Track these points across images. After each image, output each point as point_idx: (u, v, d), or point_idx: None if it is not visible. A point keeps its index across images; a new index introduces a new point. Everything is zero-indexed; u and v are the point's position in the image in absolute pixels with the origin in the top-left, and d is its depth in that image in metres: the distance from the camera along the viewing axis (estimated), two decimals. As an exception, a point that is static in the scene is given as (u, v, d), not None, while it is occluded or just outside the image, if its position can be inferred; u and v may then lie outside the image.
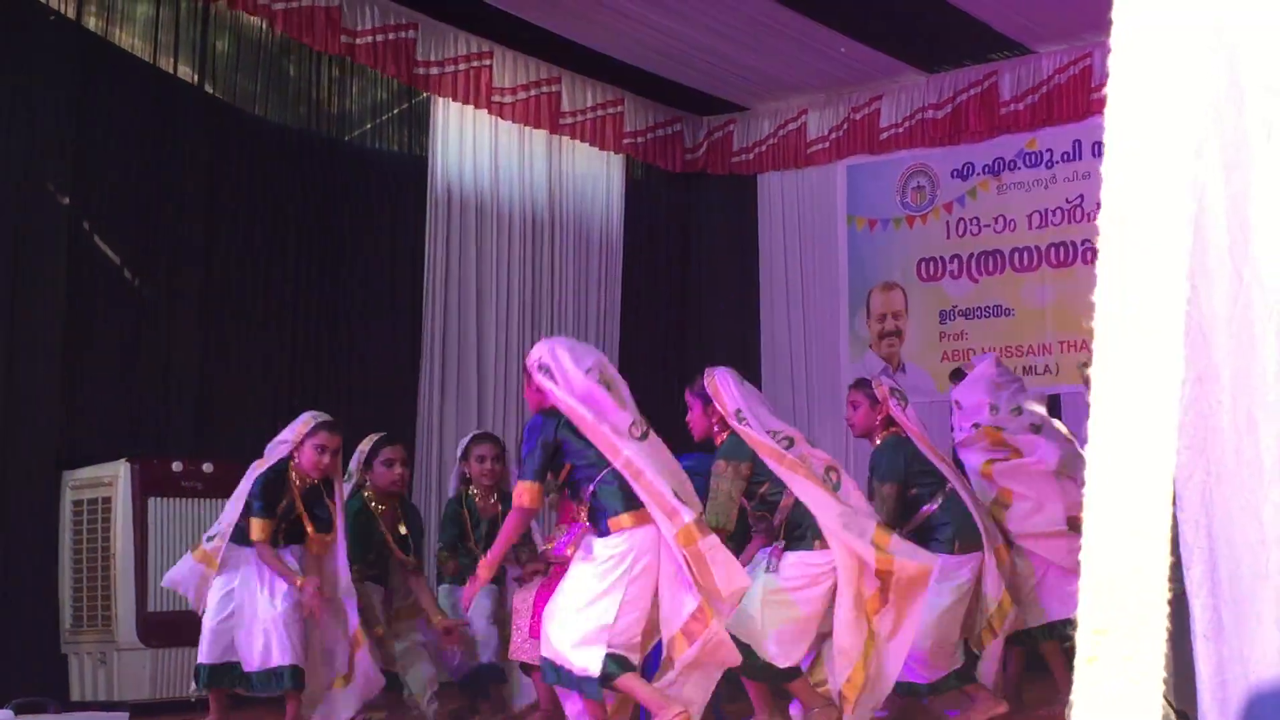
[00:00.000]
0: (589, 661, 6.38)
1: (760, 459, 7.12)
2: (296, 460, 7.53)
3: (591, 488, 6.56)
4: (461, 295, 11.48)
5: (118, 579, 8.63)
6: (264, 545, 7.40)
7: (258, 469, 7.56)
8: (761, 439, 7.10)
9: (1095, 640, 1.20)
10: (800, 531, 7.08)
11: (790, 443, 7.16)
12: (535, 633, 7.43)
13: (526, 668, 7.80)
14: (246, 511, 7.46)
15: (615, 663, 6.37)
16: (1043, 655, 8.26)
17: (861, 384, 8.18)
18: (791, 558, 7.09)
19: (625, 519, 6.47)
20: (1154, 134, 1.23)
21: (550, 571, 7.66)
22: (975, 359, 9.07)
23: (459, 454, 8.77)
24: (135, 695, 8.46)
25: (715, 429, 7.35)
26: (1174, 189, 1.22)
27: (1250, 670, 2.26)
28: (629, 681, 6.43)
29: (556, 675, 6.53)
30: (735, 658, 6.66)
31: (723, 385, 7.27)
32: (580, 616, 6.45)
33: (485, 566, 6.82)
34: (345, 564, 7.65)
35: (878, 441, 7.96)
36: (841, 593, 6.93)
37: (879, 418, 7.92)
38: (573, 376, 6.63)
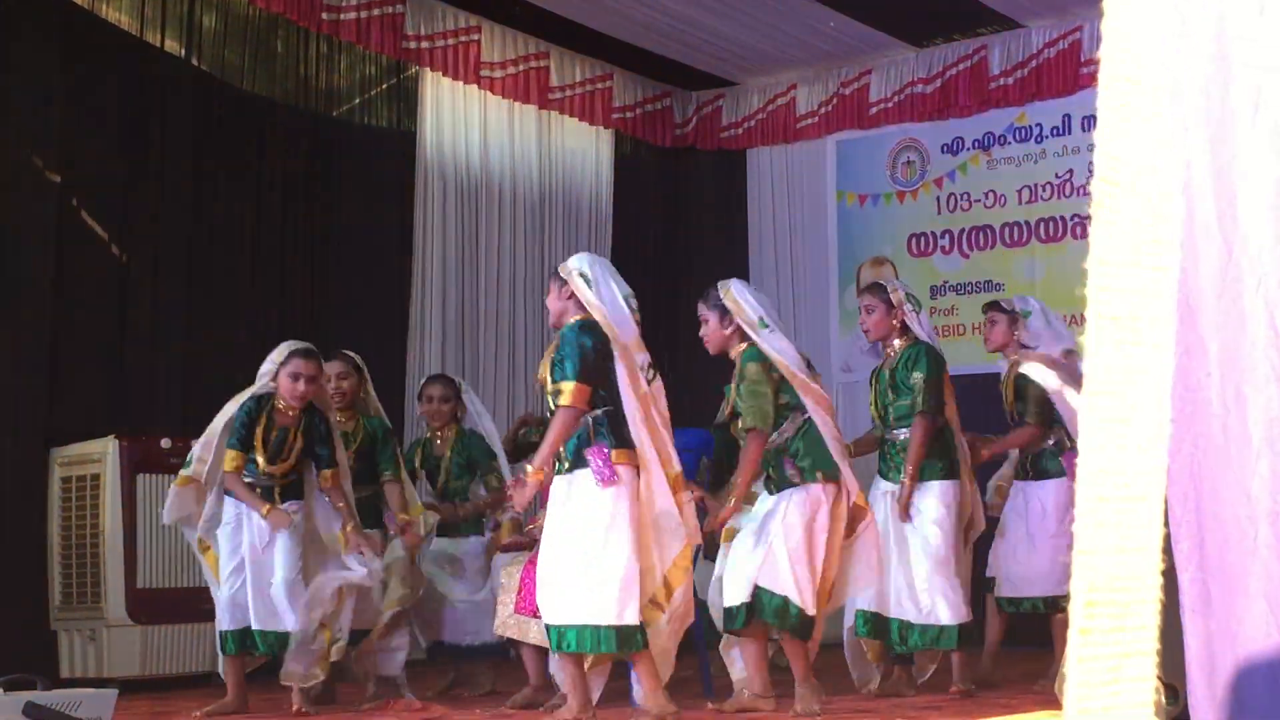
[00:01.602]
0: (627, 608, 6.33)
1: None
2: (279, 391, 7.53)
3: (598, 414, 6.51)
4: (451, 270, 11.46)
5: (107, 556, 8.62)
6: (234, 476, 7.41)
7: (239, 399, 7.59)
8: (782, 348, 7.10)
9: (1088, 612, 1.20)
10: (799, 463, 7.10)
11: (810, 368, 7.24)
12: (520, 608, 7.42)
13: (513, 643, 7.80)
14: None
15: (641, 635, 6.40)
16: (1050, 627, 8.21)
17: (876, 288, 8.09)
18: (796, 498, 7.05)
19: (621, 454, 6.47)
20: (1145, 97, 1.23)
21: (536, 549, 7.65)
22: (1017, 299, 8.89)
23: (416, 397, 9.00)
24: (125, 672, 8.46)
25: (729, 341, 7.24)
26: (1165, 154, 1.22)
27: (1238, 644, 2.27)
28: (645, 660, 6.44)
29: (574, 641, 6.42)
30: (691, 615, 6.70)
31: (740, 296, 7.22)
32: (588, 561, 6.39)
33: (534, 472, 6.51)
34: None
35: (895, 345, 7.89)
36: (839, 519, 7.02)
37: (895, 322, 7.86)
38: (614, 295, 6.64)
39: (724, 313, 7.19)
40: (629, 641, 6.37)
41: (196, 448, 7.66)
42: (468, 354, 11.47)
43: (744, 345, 7.17)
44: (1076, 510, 1.23)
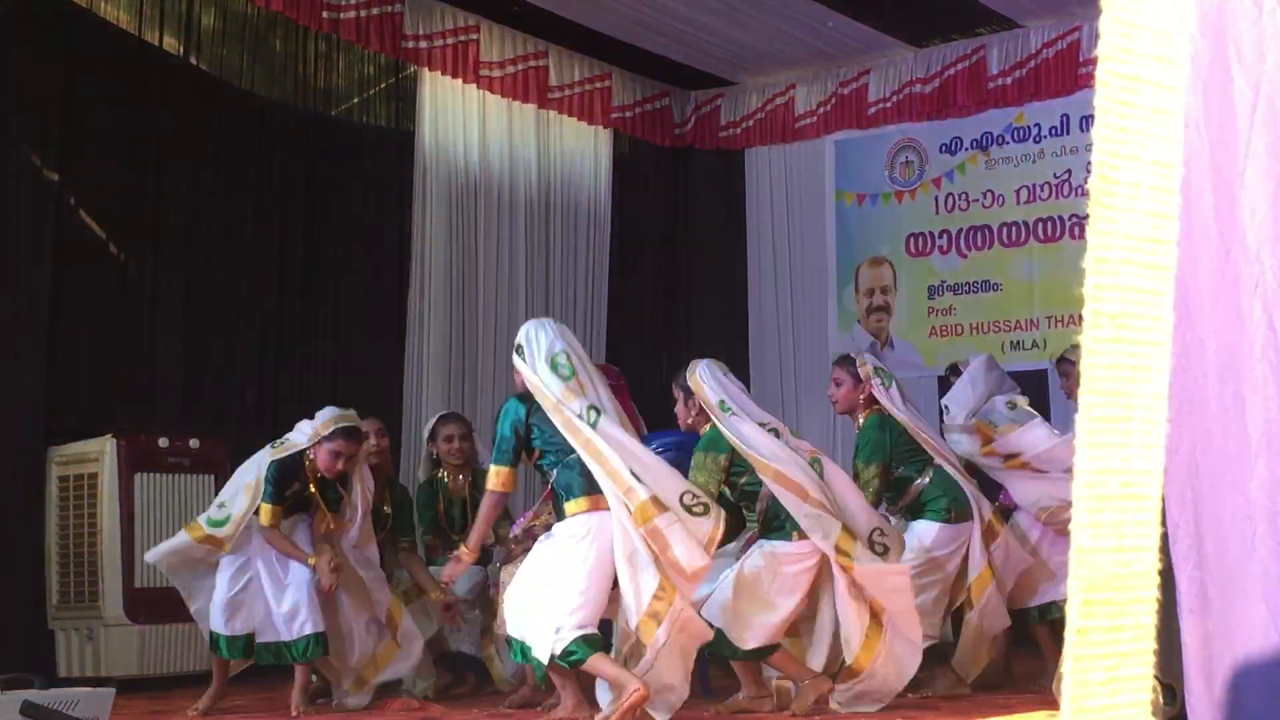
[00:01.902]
0: (541, 641, 6.52)
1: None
2: (312, 455, 7.56)
3: (554, 472, 6.74)
4: (449, 269, 11.44)
5: (104, 555, 8.62)
6: (273, 530, 7.49)
7: (272, 454, 7.58)
8: (744, 433, 7.12)
9: (1085, 611, 1.20)
10: (779, 523, 7.09)
11: (776, 434, 7.20)
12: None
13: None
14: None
15: (586, 643, 6.44)
16: (1033, 635, 8.26)
17: (845, 361, 8.10)
18: (767, 547, 7.10)
19: (582, 503, 6.63)
20: (1144, 94, 1.23)
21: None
22: (971, 358, 8.98)
23: (426, 435, 8.81)
24: (122, 671, 8.45)
25: (697, 419, 7.39)
26: (1164, 151, 1.22)
27: (1236, 644, 2.26)
28: (596, 662, 6.47)
29: (524, 653, 6.71)
30: (706, 633, 6.76)
31: (704, 379, 7.30)
32: (538, 596, 6.60)
33: (468, 552, 7.02)
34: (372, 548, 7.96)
35: (860, 419, 7.95)
36: (837, 579, 7.02)
37: (861, 396, 7.89)
38: (540, 358, 6.77)
39: (689, 393, 7.38)
40: (574, 655, 6.51)
41: (235, 511, 7.57)
42: (466, 354, 11.45)
43: (707, 426, 7.33)
44: (1074, 510, 1.23)
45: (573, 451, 6.63)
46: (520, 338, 6.89)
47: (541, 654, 6.50)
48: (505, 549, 8.15)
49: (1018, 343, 11.66)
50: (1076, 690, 1.18)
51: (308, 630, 7.44)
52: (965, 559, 7.82)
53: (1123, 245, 1.19)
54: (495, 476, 6.82)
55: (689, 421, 7.44)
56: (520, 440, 6.80)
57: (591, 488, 6.58)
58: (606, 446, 6.54)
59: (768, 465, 7.02)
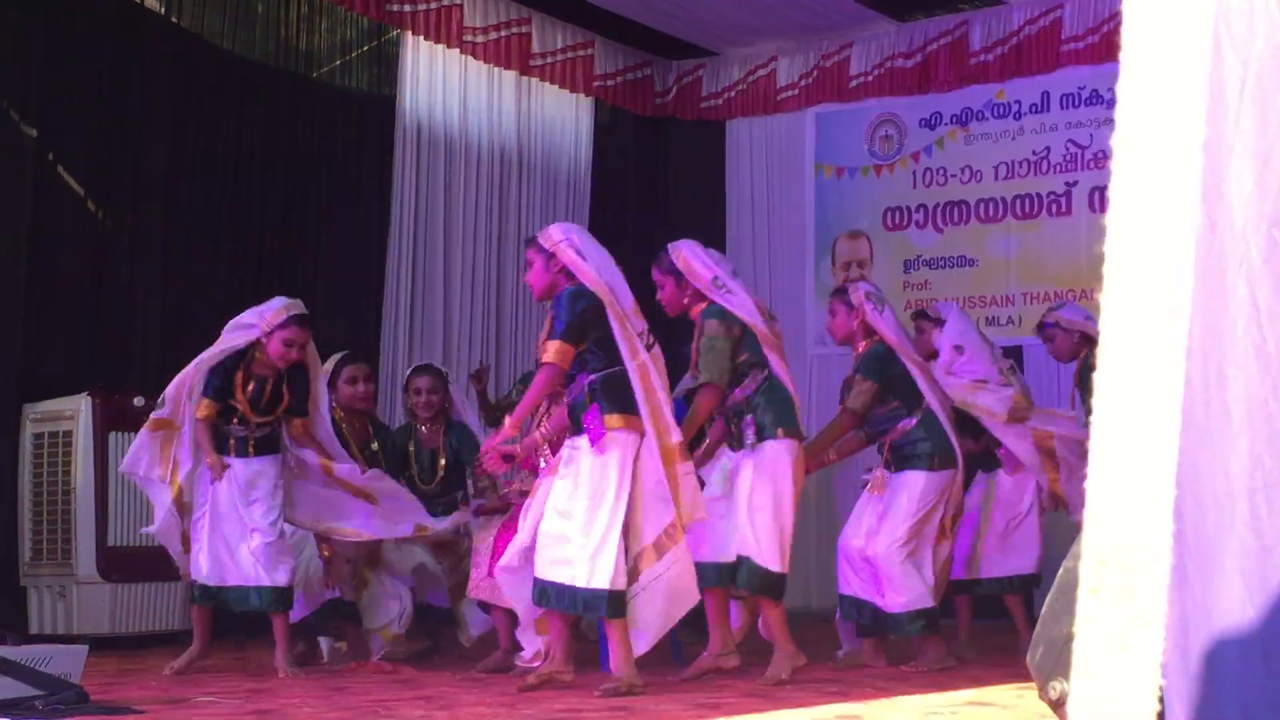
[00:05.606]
0: (604, 573, 6.38)
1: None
2: (264, 346, 7.47)
3: (594, 379, 6.54)
4: (428, 234, 11.44)
5: (78, 513, 8.61)
6: (203, 424, 7.37)
7: (212, 358, 7.49)
8: (744, 303, 7.12)
9: (1098, 571, 1.20)
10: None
11: (771, 318, 7.26)
12: (494, 572, 7.42)
13: (485, 606, 7.80)
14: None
15: (620, 600, 6.43)
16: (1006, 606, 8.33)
17: (838, 292, 8.04)
18: (755, 456, 7.08)
19: (616, 419, 6.49)
20: (1169, 52, 1.23)
21: (511, 512, 7.63)
22: (941, 305, 9.04)
23: (402, 387, 8.80)
24: (94, 629, 8.46)
25: (688, 303, 7.25)
26: (1187, 111, 1.23)
27: (1213, 620, 2.27)
28: (619, 629, 6.46)
29: (552, 598, 6.50)
30: (694, 595, 6.69)
31: (692, 256, 7.22)
32: (590, 522, 6.43)
33: (512, 424, 6.72)
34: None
35: (860, 348, 7.84)
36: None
37: (857, 323, 7.80)
38: (604, 263, 6.70)
39: (679, 276, 7.21)
40: (596, 606, 6.43)
41: (170, 389, 7.55)
42: (444, 319, 11.44)
43: (703, 304, 7.21)
44: (1089, 470, 1.24)
45: (617, 364, 6.55)
46: (573, 238, 6.76)
47: (582, 580, 6.36)
48: (490, 491, 8.07)
49: (993, 318, 11.70)
50: (1085, 651, 1.18)
51: (262, 583, 7.36)
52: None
53: (1143, 207, 1.20)
54: (555, 351, 6.51)
55: (684, 302, 7.27)
56: (587, 323, 6.55)
57: (629, 407, 6.49)
58: (656, 377, 6.53)
59: (770, 338, 7.09)
